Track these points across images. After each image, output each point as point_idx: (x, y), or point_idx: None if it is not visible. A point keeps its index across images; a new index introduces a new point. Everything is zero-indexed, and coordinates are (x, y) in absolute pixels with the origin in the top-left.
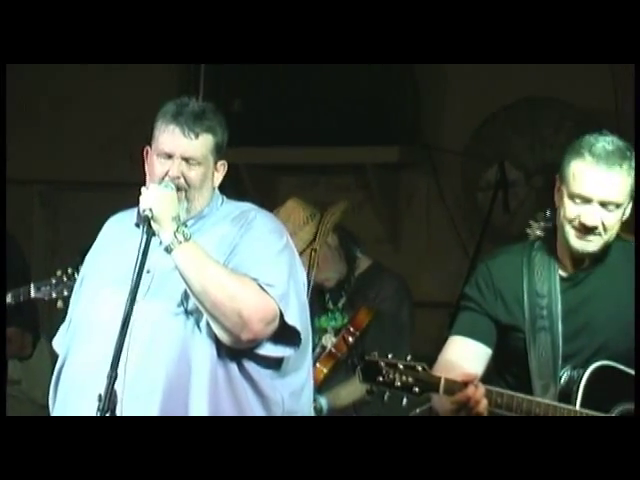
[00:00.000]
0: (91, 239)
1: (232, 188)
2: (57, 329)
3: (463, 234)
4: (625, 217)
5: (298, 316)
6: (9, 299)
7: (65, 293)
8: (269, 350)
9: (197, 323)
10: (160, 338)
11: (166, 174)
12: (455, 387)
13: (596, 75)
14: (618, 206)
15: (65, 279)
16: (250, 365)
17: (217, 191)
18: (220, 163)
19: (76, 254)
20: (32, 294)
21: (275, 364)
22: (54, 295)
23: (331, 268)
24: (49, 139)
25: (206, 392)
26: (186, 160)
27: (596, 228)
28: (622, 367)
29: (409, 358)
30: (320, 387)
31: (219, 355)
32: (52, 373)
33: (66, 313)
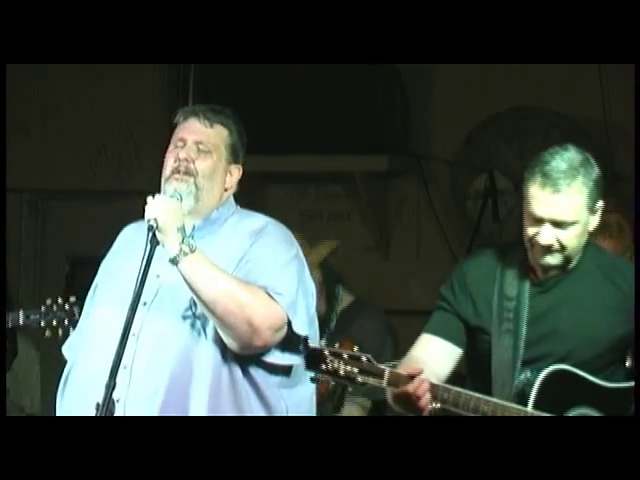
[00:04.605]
0: (79, 247)
1: None
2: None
3: (452, 242)
4: (592, 227)
5: (307, 325)
6: None
7: (54, 323)
8: (277, 358)
9: (204, 328)
10: (167, 341)
11: (177, 158)
12: (400, 380)
13: (584, 84)
14: (573, 223)
15: (55, 308)
16: (257, 373)
17: (232, 199)
18: (235, 166)
19: (64, 262)
20: (21, 322)
21: (283, 372)
22: (43, 324)
23: None
24: (38, 147)
25: (207, 397)
26: (197, 146)
27: (551, 246)
28: (580, 372)
29: (356, 349)
30: None
31: (225, 360)
32: (40, 384)
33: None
